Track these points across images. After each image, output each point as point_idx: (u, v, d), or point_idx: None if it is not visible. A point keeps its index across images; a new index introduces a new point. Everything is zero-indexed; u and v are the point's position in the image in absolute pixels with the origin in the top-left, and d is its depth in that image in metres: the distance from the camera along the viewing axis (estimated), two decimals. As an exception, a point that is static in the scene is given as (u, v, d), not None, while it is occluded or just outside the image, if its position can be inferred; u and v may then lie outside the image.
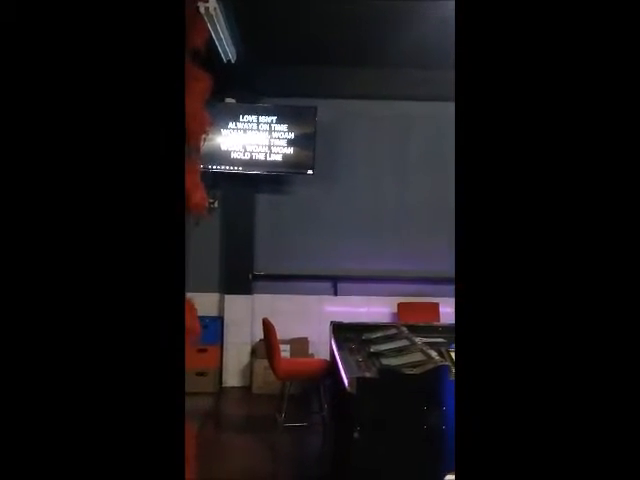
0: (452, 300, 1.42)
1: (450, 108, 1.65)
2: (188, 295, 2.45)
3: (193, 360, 5.47)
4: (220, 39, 3.89)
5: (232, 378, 5.57)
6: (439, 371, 2.57)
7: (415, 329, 3.80)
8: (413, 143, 5.69)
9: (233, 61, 4.40)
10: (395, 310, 5.58)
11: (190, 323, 2.15)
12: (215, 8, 3.24)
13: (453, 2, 1.45)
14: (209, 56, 2.63)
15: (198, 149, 2.33)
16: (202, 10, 3.02)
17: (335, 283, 5.67)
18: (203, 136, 2.31)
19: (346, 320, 4.21)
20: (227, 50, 4.18)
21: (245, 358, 5.56)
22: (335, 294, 5.68)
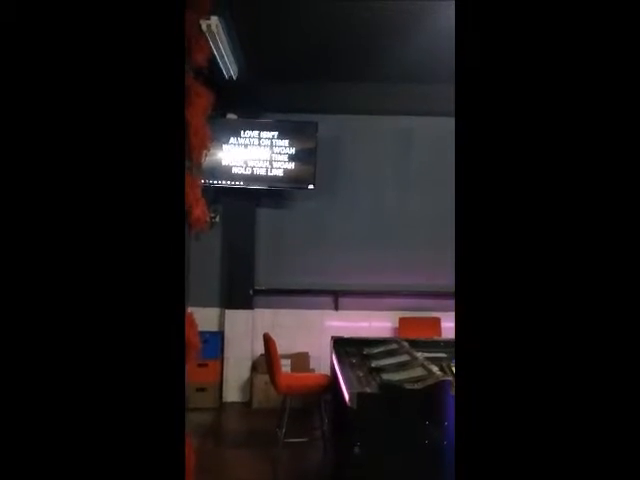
0: (454, 315, 1.42)
1: (450, 123, 1.66)
2: (189, 310, 2.45)
3: (193, 375, 5.38)
4: (222, 56, 3.92)
5: (232, 393, 5.54)
6: (440, 386, 2.57)
7: (416, 344, 3.79)
8: (414, 158, 5.71)
9: (235, 78, 4.44)
10: (396, 325, 5.57)
11: (191, 338, 2.15)
12: (217, 25, 3.28)
13: (453, 17, 1.46)
14: (211, 73, 2.66)
15: (199, 164, 2.36)
16: (204, 27, 3.05)
17: (336, 297, 5.66)
18: (204, 151, 2.34)
19: (347, 335, 4.21)
20: (229, 67, 4.21)
21: (245, 373, 5.54)
22: (336, 309, 5.67)
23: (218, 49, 3.72)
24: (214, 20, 3.23)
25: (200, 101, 2.20)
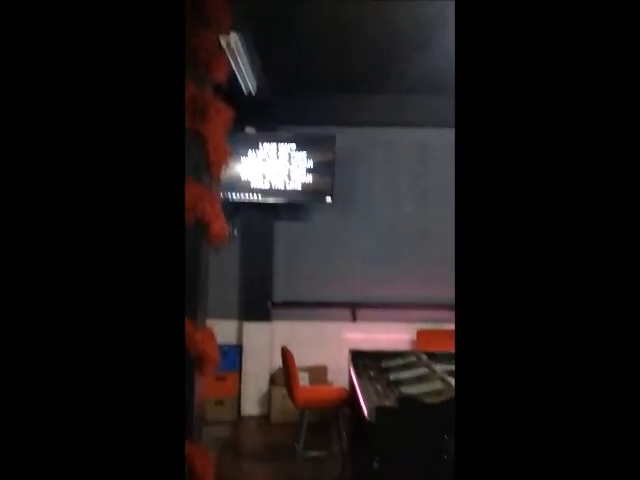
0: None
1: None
2: (208, 323, 2.47)
3: (212, 388, 5.37)
4: (241, 71, 3.97)
5: (251, 406, 5.54)
6: (459, 400, 2.54)
7: (435, 357, 3.77)
8: (431, 169, 5.70)
9: (254, 93, 4.48)
10: (414, 337, 5.54)
11: (210, 352, 2.17)
12: (236, 42, 3.32)
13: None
14: (230, 87, 2.70)
15: (219, 179, 2.38)
16: (224, 44, 3.10)
17: (354, 310, 5.65)
18: (224, 166, 2.36)
19: (365, 347, 4.19)
20: (248, 82, 4.26)
21: (264, 386, 5.54)
22: (354, 320, 5.66)
23: (237, 65, 3.77)
24: (233, 37, 3.28)
25: (220, 117, 2.23)
